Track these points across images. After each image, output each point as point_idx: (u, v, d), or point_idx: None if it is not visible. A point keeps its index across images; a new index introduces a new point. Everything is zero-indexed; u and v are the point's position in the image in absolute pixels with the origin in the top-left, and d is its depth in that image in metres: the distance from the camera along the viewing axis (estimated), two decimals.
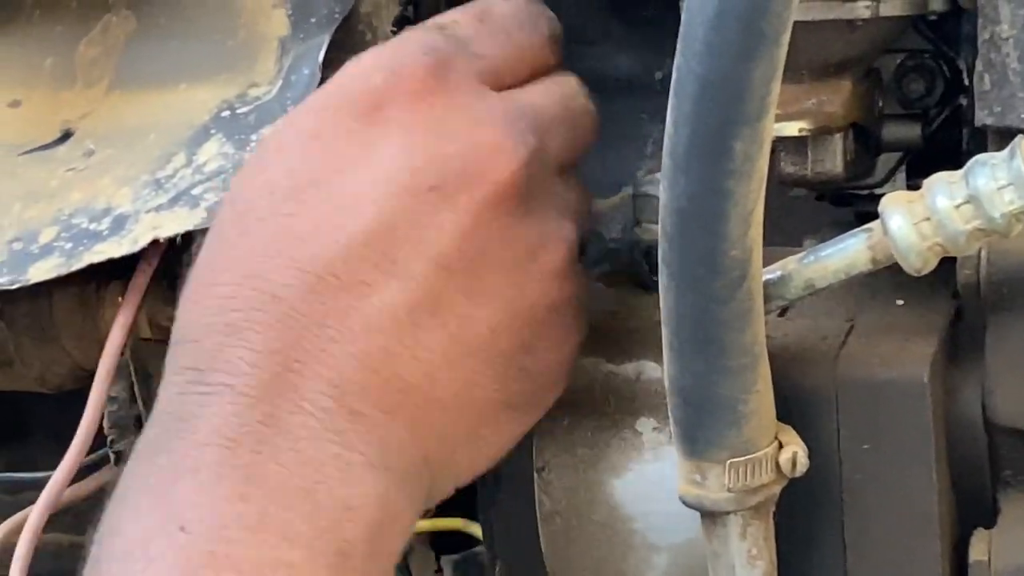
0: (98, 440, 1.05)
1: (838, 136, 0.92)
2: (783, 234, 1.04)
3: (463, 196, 0.76)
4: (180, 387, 0.75)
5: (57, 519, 1.03)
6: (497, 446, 0.83)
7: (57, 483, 0.99)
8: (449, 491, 0.81)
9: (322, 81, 1.03)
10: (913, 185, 0.90)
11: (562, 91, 0.85)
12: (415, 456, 0.76)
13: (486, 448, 0.82)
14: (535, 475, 0.91)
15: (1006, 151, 0.74)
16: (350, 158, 0.77)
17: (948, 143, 1.01)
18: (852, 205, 1.06)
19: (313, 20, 1.09)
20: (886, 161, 1.03)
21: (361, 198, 0.76)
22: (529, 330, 0.80)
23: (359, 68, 0.81)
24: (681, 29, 0.71)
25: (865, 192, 1.03)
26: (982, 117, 0.84)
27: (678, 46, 0.71)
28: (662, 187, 0.74)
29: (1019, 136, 0.75)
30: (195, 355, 0.75)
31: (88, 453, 1.03)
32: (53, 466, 1.01)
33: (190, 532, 0.69)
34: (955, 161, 0.79)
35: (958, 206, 0.75)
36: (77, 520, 1.08)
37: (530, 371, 0.81)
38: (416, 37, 0.81)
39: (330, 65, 1.08)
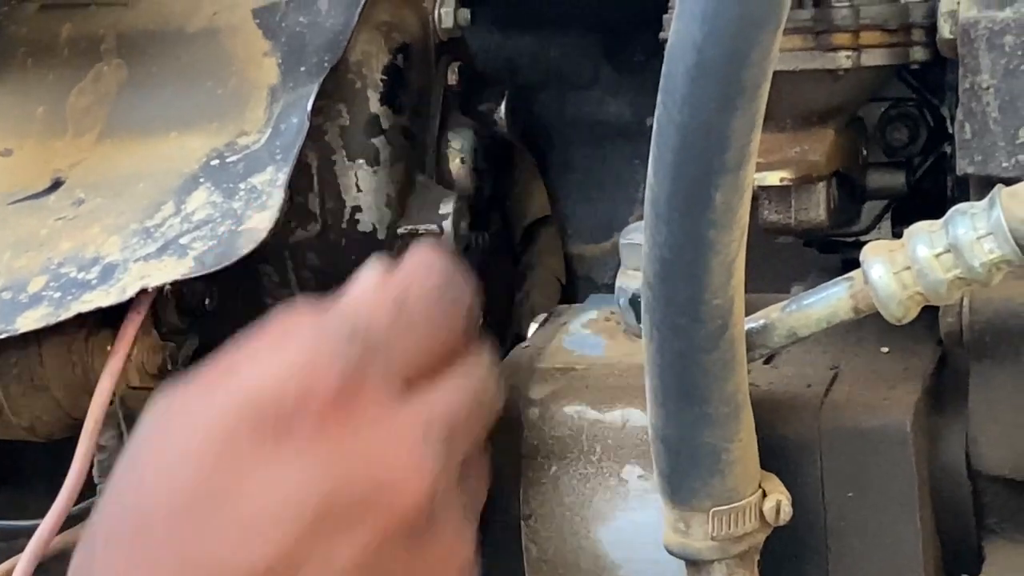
0: (89, 488, 1.06)
1: (821, 185, 0.93)
2: (770, 280, 1.05)
3: (368, 522, 0.74)
4: None
5: (47, 567, 1.03)
6: None
7: (46, 531, 0.99)
8: None
9: (310, 130, 1.04)
10: (898, 232, 0.90)
11: (475, 385, 0.82)
12: None
13: None
14: (522, 523, 0.91)
15: (986, 200, 0.75)
16: (255, 477, 0.73)
17: (933, 190, 1.01)
18: (838, 252, 1.06)
19: (303, 69, 1.09)
20: (872, 208, 1.03)
21: (264, 522, 0.72)
22: None
23: (270, 376, 0.76)
24: (662, 80, 0.71)
25: (851, 239, 1.03)
26: (963, 166, 0.84)
27: (659, 97, 0.72)
28: (644, 237, 0.75)
29: (999, 185, 0.75)
30: None
31: (79, 501, 1.03)
32: (47, 512, 1.01)
33: None
34: (940, 208, 0.79)
35: (938, 255, 0.75)
36: (67, 567, 1.08)
37: None
38: (332, 342, 0.77)
39: (319, 112, 1.09)
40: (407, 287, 0.81)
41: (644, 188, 0.98)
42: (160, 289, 1.01)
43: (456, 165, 1.20)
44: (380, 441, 0.76)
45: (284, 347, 0.77)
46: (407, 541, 0.76)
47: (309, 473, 0.73)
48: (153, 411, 0.78)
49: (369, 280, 0.82)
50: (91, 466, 1.03)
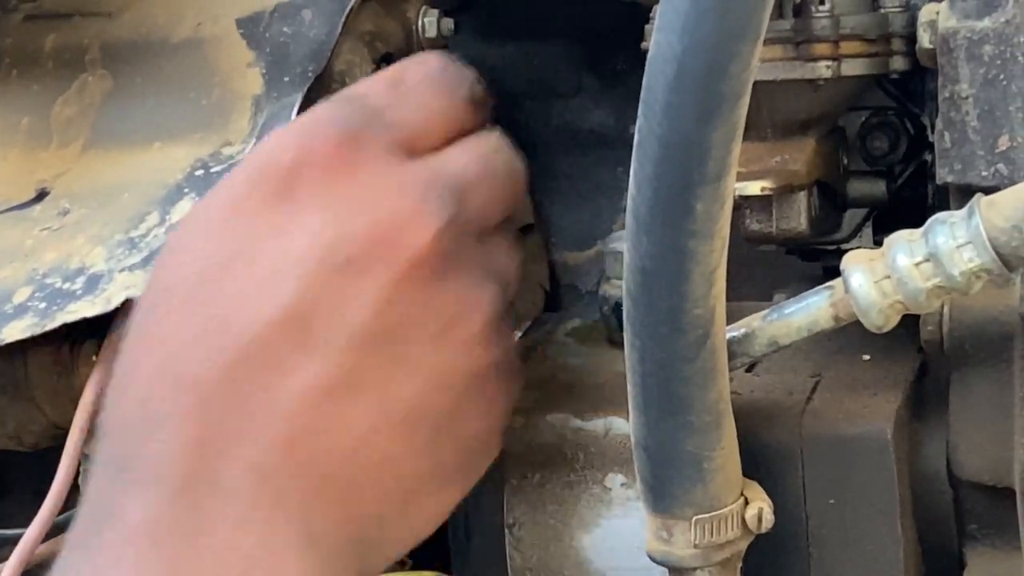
0: (75, 497, 1.06)
1: (802, 194, 0.93)
2: (753, 288, 1.06)
3: (378, 269, 0.75)
4: (102, 482, 0.74)
5: (34, 575, 1.03)
6: (430, 517, 0.81)
7: (30, 540, 0.99)
8: (383, 566, 0.80)
9: None
10: (880, 240, 0.91)
11: (481, 150, 0.83)
12: (344, 535, 0.75)
13: (418, 520, 0.80)
14: (505, 531, 0.91)
15: (965, 209, 0.75)
16: (264, 237, 0.76)
17: (914, 199, 1.02)
18: (820, 260, 1.07)
19: (287, 79, 1.09)
20: (853, 217, 1.04)
21: (276, 277, 0.75)
22: (454, 398, 0.78)
23: (271, 146, 0.79)
24: (642, 92, 0.72)
25: (832, 247, 1.04)
26: (943, 175, 0.85)
27: (639, 108, 0.72)
28: (626, 247, 0.75)
29: (978, 195, 0.76)
30: (116, 449, 0.75)
31: (64, 510, 1.03)
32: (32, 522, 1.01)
33: None
34: (922, 216, 0.79)
35: (918, 264, 0.75)
36: None
37: (458, 439, 0.79)
38: (326, 111, 0.80)
39: None
40: (403, 66, 0.83)
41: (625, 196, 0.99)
42: None
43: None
44: (381, 194, 0.77)
45: (283, 128, 0.82)
46: (419, 287, 0.76)
47: (313, 226, 0.75)
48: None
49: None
50: (76, 475, 1.03)
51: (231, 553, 0.71)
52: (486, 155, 0.82)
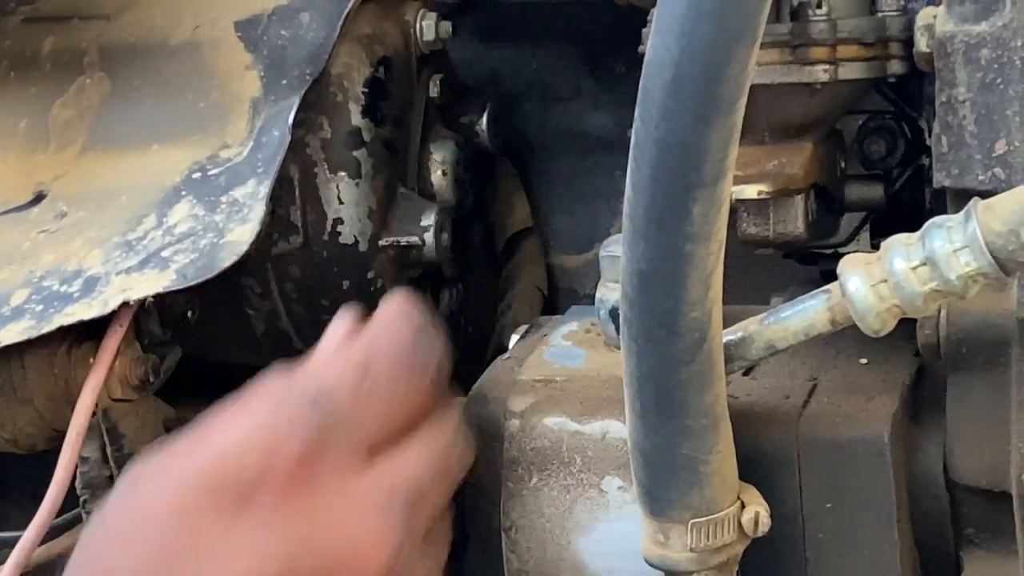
0: (71, 499, 1.06)
1: (799, 197, 0.93)
2: (750, 292, 1.05)
3: None
4: None
5: None
6: None
7: (27, 543, 1.00)
8: None
9: (292, 143, 1.05)
10: (877, 244, 0.91)
11: (441, 448, 0.82)
12: None
13: None
14: (502, 534, 0.91)
15: (961, 213, 0.75)
16: (216, 547, 0.73)
17: (911, 203, 1.02)
18: (817, 264, 1.07)
19: (284, 82, 1.10)
20: (850, 220, 1.04)
21: None
22: None
23: (232, 445, 0.76)
24: (639, 95, 0.71)
25: (830, 251, 1.04)
26: (940, 179, 0.85)
27: (636, 111, 0.72)
28: (622, 250, 0.75)
29: (974, 199, 0.75)
30: None
31: (61, 513, 1.03)
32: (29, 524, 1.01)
33: None
34: (919, 220, 0.79)
35: (915, 268, 0.75)
36: None
37: None
38: (292, 414, 0.77)
39: (301, 125, 1.09)
40: (374, 350, 0.81)
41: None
42: (142, 302, 1.01)
43: (438, 177, 1.21)
44: (341, 512, 0.75)
45: (248, 415, 0.77)
46: None
47: (269, 544, 0.73)
48: (125, 477, 0.78)
49: (335, 339, 0.82)
50: (73, 478, 1.03)
51: None
52: (443, 452, 0.82)
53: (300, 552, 0.73)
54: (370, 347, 0.81)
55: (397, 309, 0.83)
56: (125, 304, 0.98)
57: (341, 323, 0.82)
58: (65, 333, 1.01)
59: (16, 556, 0.99)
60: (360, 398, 0.79)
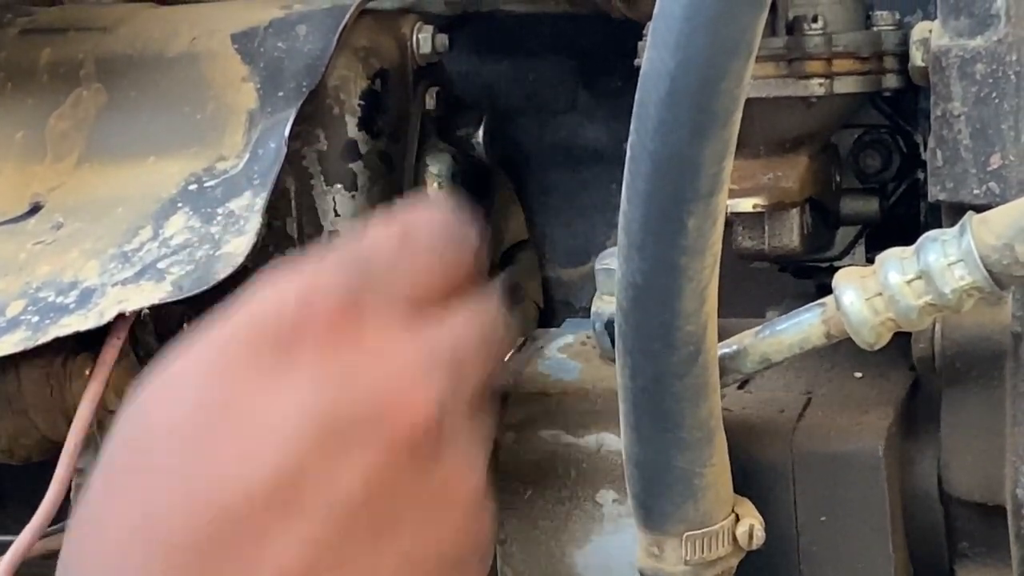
0: (66, 510, 1.06)
1: (795, 211, 0.93)
2: (746, 305, 1.06)
3: (371, 443, 0.72)
4: None
5: None
6: None
7: (21, 547, 1.00)
8: None
9: (288, 155, 1.05)
10: (873, 258, 0.91)
11: (482, 321, 0.80)
12: None
13: None
14: (497, 547, 0.91)
15: (956, 227, 0.75)
16: (254, 396, 0.72)
17: (907, 216, 1.02)
18: (813, 277, 1.07)
19: (281, 94, 1.10)
20: (846, 234, 1.04)
21: (265, 441, 0.71)
22: (439, 570, 0.76)
23: (271, 296, 0.75)
24: (635, 108, 0.72)
25: (825, 265, 1.04)
26: (935, 193, 0.85)
27: (632, 125, 0.72)
28: (618, 263, 0.75)
29: (969, 212, 0.76)
30: None
31: (56, 522, 1.03)
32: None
33: None
34: (915, 234, 0.80)
35: (910, 282, 0.75)
36: None
37: None
38: (332, 268, 0.77)
39: (297, 137, 1.09)
40: (412, 221, 0.80)
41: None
42: (138, 313, 1.01)
43: (434, 190, 1.21)
44: (384, 362, 0.74)
45: (284, 279, 0.76)
46: (414, 463, 0.74)
47: (309, 391, 0.72)
48: (160, 355, 0.77)
49: (375, 221, 0.82)
50: (69, 489, 1.03)
51: None
52: (483, 323, 0.81)
53: (342, 401, 0.72)
54: (408, 219, 0.80)
55: (432, 201, 0.83)
56: (121, 315, 0.98)
57: (379, 216, 0.83)
58: (61, 344, 1.01)
59: (7, 561, 0.99)
60: (401, 259, 0.78)
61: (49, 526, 1.02)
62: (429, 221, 0.80)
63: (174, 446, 0.71)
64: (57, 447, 1.02)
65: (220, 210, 1.03)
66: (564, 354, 1.00)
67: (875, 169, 1.01)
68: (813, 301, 0.81)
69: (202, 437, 0.71)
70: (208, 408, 0.72)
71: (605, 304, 0.94)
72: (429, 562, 0.75)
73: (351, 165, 1.12)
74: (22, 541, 1.00)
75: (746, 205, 0.91)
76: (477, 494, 0.77)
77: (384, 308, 0.76)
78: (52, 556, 1.03)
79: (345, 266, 0.76)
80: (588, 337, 0.99)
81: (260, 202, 1.02)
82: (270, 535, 0.70)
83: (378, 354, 0.74)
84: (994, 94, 0.83)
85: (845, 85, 0.91)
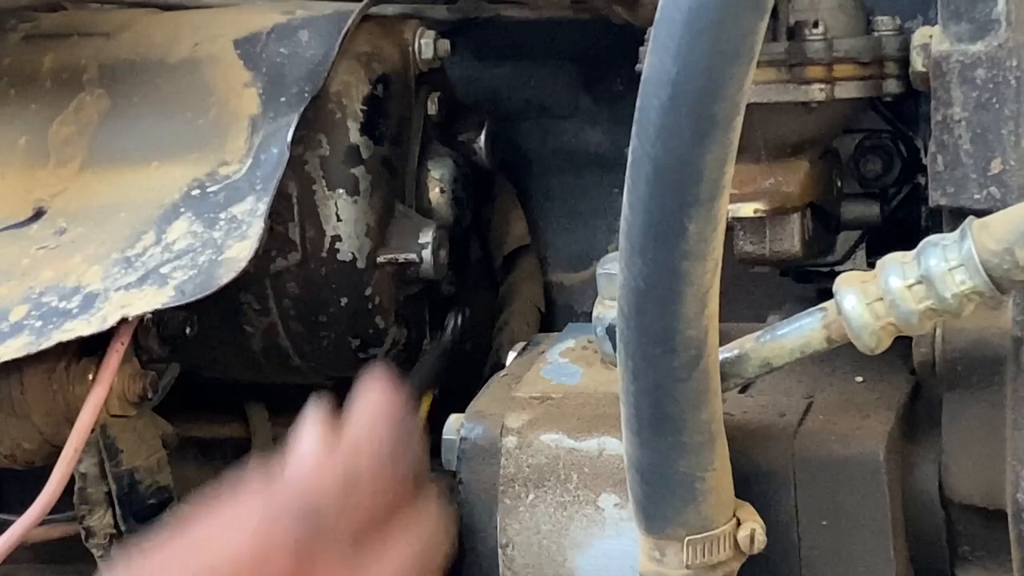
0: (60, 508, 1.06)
1: (796, 216, 0.93)
2: (747, 309, 1.06)
3: None
4: None
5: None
6: None
7: (12, 537, 1.00)
8: None
9: (291, 160, 1.05)
10: (873, 263, 0.92)
11: (424, 538, 0.85)
12: None
13: None
14: (499, 551, 0.91)
15: (957, 232, 0.75)
16: None
17: (907, 221, 1.02)
18: (814, 281, 1.07)
19: (283, 99, 1.10)
20: (847, 239, 1.04)
21: None
22: None
23: (227, 560, 0.77)
24: (636, 114, 0.72)
25: (826, 269, 1.04)
26: (936, 198, 0.85)
27: (633, 130, 0.72)
28: (619, 268, 0.75)
29: (970, 217, 0.76)
30: None
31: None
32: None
33: None
34: (915, 238, 0.80)
35: (910, 286, 0.75)
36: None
37: None
38: (282, 528, 0.79)
39: (299, 142, 1.09)
40: (356, 457, 0.82)
41: None
42: (141, 318, 1.01)
43: (436, 194, 1.21)
44: None
45: (237, 528, 0.78)
46: None
47: None
48: None
49: (314, 443, 0.83)
50: (64, 490, 1.03)
51: None
52: (425, 541, 0.84)
53: None
54: (352, 455, 0.83)
55: (375, 403, 0.84)
56: (124, 320, 0.98)
57: (314, 423, 0.84)
58: (64, 349, 1.01)
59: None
60: (345, 500, 0.81)
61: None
62: (371, 448, 0.83)
63: None
64: (60, 451, 1.02)
65: (223, 215, 1.03)
66: (566, 358, 1.00)
67: (876, 174, 1.01)
68: (814, 306, 0.81)
69: None
70: None
71: (607, 309, 0.95)
72: None
73: (353, 170, 1.13)
74: (15, 530, 1.00)
75: (747, 210, 0.91)
76: None
77: (333, 556, 0.79)
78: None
79: (295, 521, 0.78)
80: (590, 341, 0.99)
81: (263, 207, 1.03)
82: None
83: None
84: (994, 99, 0.83)
85: (846, 90, 0.91)
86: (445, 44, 1.19)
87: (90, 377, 1.03)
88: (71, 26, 1.19)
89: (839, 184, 1.01)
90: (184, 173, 1.08)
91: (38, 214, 1.10)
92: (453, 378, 1.17)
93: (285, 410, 1.16)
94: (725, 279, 0.76)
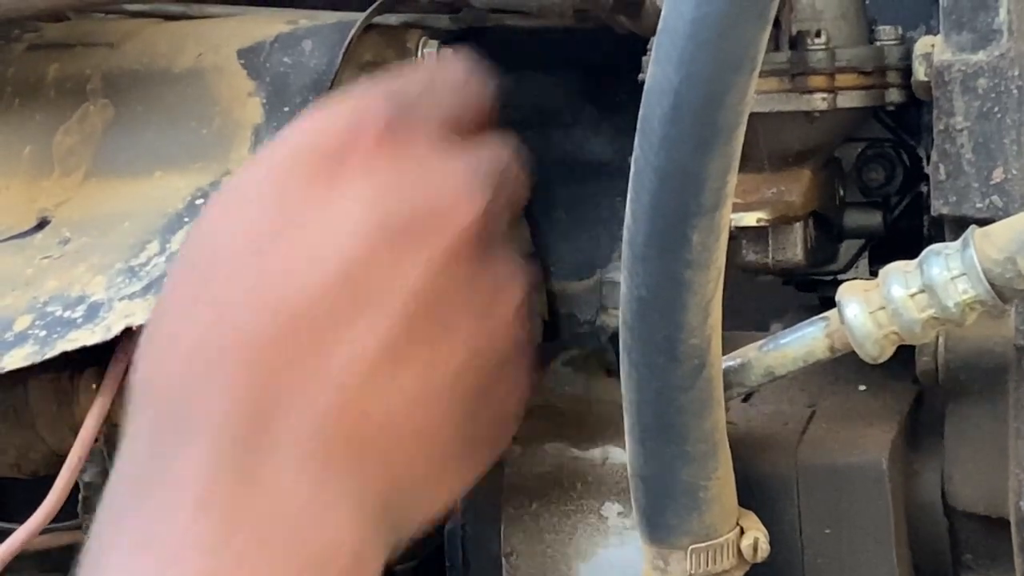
0: (62, 518, 1.06)
1: (798, 225, 0.93)
2: (750, 318, 1.06)
3: (431, 240, 0.77)
4: (148, 442, 0.75)
5: None
6: (455, 487, 0.83)
7: (14, 544, 1.00)
8: (408, 534, 0.80)
9: None
10: (876, 271, 0.92)
11: (502, 154, 0.86)
12: (383, 498, 0.76)
13: (445, 490, 0.82)
14: (503, 560, 0.91)
15: (959, 241, 0.76)
16: (316, 205, 0.77)
17: (910, 230, 1.02)
18: (816, 290, 1.07)
19: (287, 109, 1.10)
20: (849, 247, 1.04)
21: (330, 242, 0.76)
22: (489, 373, 0.80)
23: (320, 120, 0.82)
24: (639, 123, 0.72)
25: (829, 278, 1.04)
26: (938, 207, 0.85)
27: (636, 139, 0.73)
28: (622, 276, 0.76)
29: (972, 226, 0.76)
30: (162, 407, 0.75)
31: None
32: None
33: None
34: (918, 247, 0.80)
35: (913, 295, 0.76)
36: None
37: (488, 413, 0.81)
38: (374, 92, 0.83)
39: None
40: (435, 68, 0.90)
41: None
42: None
43: (446, 51, 1.21)
44: (432, 172, 0.79)
45: (333, 105, 0.83)
46: (467, 262, 0.79)
47: (367, 196, 0.77)
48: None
49: (401, 67, 0.88)
50: (67, 498, 1.03)
51: (283, 507, 0.72)
52: (505, 159, 0.86)
53: (395, 206, 0.77)
54: (430, 67, 0.91)
55: (447, 56, 0.92)
56: (128, 330, 0.98)
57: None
58: (68, 359, 1.01)
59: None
60: (431, 92, 0.84)
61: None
62: (451, 69, 0.87)
63: (241, 255, 0.76)
64: (64, 461, 1.02)
65: None
66: (569, 367, 1.00)
67: (878, 183, 1.01)
68: (817, 314, 0.81)
69: (269, 243, 0.76)
70: (272, 217, 0.77)
71: (611, 317, 0.95)
72: (482, 355, 0.80)
73: None
74: (15, 538, 1.00)
75: (750, 219, 0.91)
76: (521, 298, 0.82)
77: (426, 130, 0.81)
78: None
79: (387, 95, 0.82)
80: (594, 350, 1.00)
81: None
82: (342, 326, 0.74)
83: (426, 166, 0.79)
84: (996, 108, 0.83)
85: (848, 100, 0.91)
86: (448, 53, 1.20)
87: (94, 386, 1.03)
88: (75, 36, 1.19)
89: (841, 193, 1.01)
90: (188, 183, 1.08)
91: (42, 224, 1.11)
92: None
93: None
94: (727, 288, 0.76)
